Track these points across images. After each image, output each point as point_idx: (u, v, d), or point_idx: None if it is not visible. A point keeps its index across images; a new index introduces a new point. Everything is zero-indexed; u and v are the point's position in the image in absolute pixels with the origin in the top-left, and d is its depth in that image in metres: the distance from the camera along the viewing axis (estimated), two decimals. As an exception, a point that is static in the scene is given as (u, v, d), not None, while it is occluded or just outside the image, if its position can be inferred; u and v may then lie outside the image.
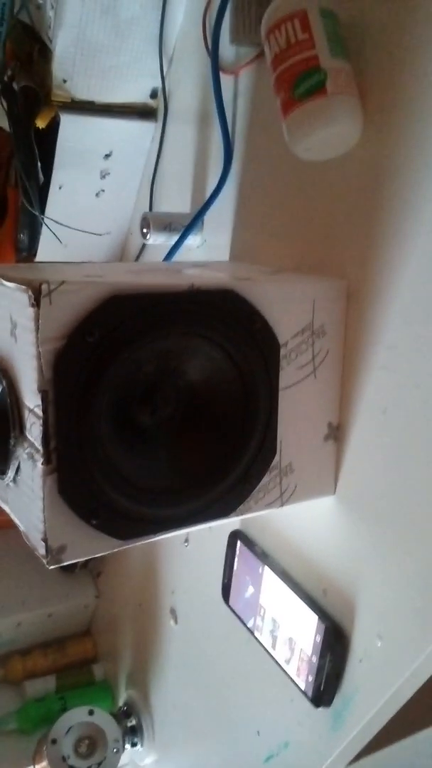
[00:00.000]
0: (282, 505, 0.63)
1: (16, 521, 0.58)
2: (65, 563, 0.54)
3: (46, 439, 0.50)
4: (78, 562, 1.20)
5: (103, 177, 0.95)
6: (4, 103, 0.87)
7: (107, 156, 0.93)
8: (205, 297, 0.55)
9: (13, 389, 0.54)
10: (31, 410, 0.51)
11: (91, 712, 1.03)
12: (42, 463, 0.51)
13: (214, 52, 0.76)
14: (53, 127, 0.87)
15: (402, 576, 0.59)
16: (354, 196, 0.62)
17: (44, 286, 0.48)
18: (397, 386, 0.58)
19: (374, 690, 0.62)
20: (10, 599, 1.16)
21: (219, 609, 0.82)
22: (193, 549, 0.91)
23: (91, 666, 1.22)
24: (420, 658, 0.57)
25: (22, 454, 0.54)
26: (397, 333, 0.58)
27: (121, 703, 1.14)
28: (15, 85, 0.86)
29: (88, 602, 1.22)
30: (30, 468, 0.53)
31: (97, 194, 0.96)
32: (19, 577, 1.19)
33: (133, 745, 1.06)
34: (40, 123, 0.86)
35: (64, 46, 0.81)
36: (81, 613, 1.23)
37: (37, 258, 0.97)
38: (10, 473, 0.56)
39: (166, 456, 0.58)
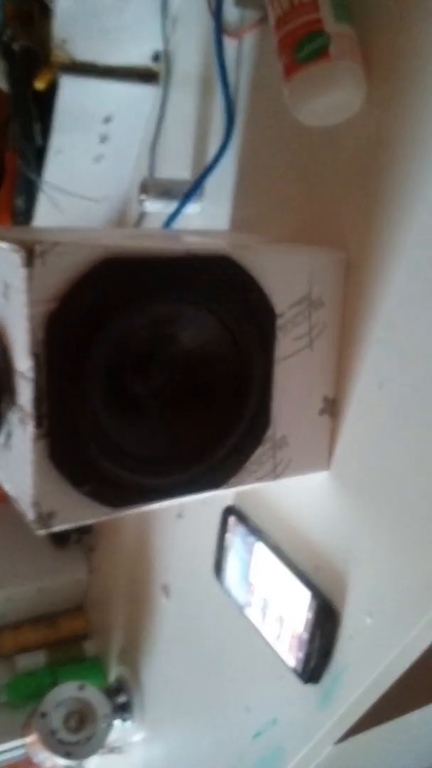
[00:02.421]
0: (275, 478, 0.63)
1: (6, 487, 0.58)
2: (55, 529, 0.54)
3: (37, 403, 0.50)
4: (71, 536, 1.22)
5: (102, 141, 0.93)
6: (4, 64, 0.86)
7: (107, 120, 0.91)
8: (201, 263, 0.54)
9: (4, 353, 0.54)
10: (22, 374, 0.51)
11: (81, 687, 1.04)
12: (32, 427, 0.50)
13: (217, 14, 0.75)
14: (53, 89, 0.85)
15: (393, 553, 0.58)
16: (355, 165, 0.61)
17: (37, 247, 0.48)
18: (394, 361, 0.58)
19: (363, 668, 0.62)
20: (1, 572, 1.16)
21: (210, 585, 0.82)
22: (187, 524, 0.91)
23: (82, 642, 1.23)
24: (409, 637, 0.57)
25: (13, 419, 0.54)
26: (396, 307, 0.57)
27: (112, 679, 1.15)
28: (15, 46, 0.84)
29: (81, 577, 1.23)
30: (21, 433, 0.52)
31: (96, 159, 0.95)
32: (11, 551, 1.20)
33: (123, 720, 1.07)
34: (39, 84, 0.84)
35: (64, 5, 0.79)
36: (73, 589, 1.24)
37: (33, 224, 0.97)
38: (1, 438, 0.56)
39: (159, 425, 0.57)
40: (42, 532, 0.53)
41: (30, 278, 0.48)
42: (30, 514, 0.53)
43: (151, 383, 0.57)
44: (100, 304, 0.50)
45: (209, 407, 0.58)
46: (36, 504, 0.52)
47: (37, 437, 0.50)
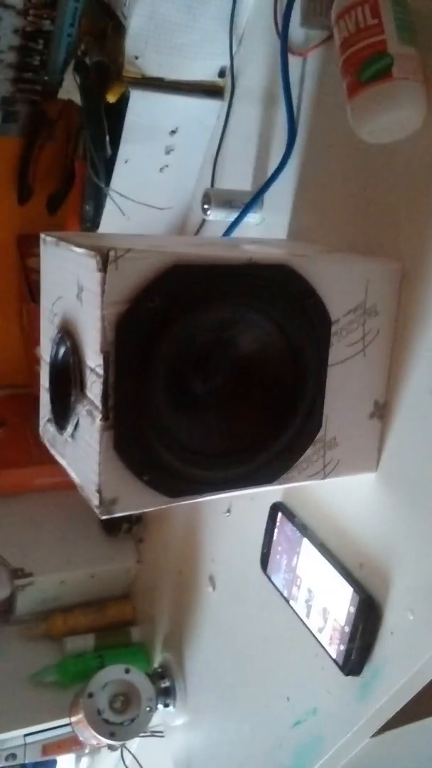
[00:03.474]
0: (324, 477, 0.65)
1: (72, 474, 0.62)
2: (116, 514, 0.57)
3: (105, 397, 0.53)
4: (122, 527, 1.25)
5: (167, 153, 0.96)
6: (77, 77, 0.90)
7: (173, 132, 0.95)
8: (262, 271, 0.57)
9: (76, 350, 0.58)
10: (92, 370, 0.54)
11: (127, 671, 1.06)
12: (100, 420, 0.54)
13: (283, 33, 0.77)
14: (122, 102, 0.89)
15: (437, 553, 0.60)
16: (414, 181, 0.63)
17: (112, 253, 0.51)
18: (446, 368, 0.59)
19: (403, 662, 0.63)
20: (56, 557, 1.20)
21: (256, 577, 0.84)
22: (234, 519, 0.93)
23: (128, 628, 1.25)
24: (450, 635, 0.59)
25: (81, 411, 0.57)
26: (449, 316, 0.59)
27: (156, 664, 1.17)
28: (88, 60, 0.88)
29: (130, 566, 1.26)
30: (88, 424, 0.56)
31: (161, 169, 0.98)
32: (67, 537, 1.23)
33: (166, 705, 1.09)
34: (111, 98, 0.88)
35: (137, 23, 0.83)
36: (122, 577, 1.27)
37: (100, 230, 1.00)
38: (69, 429, 0.60)
39: (216, 421, 0.60)
40: (105, 516, 0.57)
41: (104, 282, 0.51)
42: (94, 500, 0.56)
43: (210, 382, 0.60)
44: (168, 307, 0.53)
45: (264, 407, 0.61)
46: (100, 491, 0.55)
47: (104, 429, 0.54)
